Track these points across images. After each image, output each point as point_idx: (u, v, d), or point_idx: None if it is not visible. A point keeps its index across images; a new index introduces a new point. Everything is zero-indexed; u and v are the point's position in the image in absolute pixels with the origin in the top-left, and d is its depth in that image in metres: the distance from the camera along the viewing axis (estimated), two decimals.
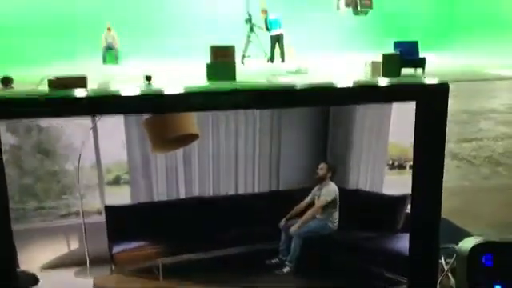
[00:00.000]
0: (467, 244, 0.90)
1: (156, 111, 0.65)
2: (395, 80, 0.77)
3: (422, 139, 0.71)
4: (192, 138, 0.66)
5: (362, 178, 0.72)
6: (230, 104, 0.67)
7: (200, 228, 0.70)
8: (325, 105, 0.69)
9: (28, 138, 0.62)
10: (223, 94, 0.67)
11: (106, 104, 0.64)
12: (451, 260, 1.01)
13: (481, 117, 7.52)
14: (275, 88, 0.70)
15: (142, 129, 0.65)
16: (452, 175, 4.70)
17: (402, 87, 0.72)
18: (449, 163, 5.07)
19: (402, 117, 0.71)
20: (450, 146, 5.68)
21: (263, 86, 0.69)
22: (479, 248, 0.88)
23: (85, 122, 0.63)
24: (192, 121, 0.66)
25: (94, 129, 0.63)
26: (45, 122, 0.62)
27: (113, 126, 0.64)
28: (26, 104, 0.62)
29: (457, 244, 0.94)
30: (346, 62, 15.09)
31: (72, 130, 0.63)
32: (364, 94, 0.70)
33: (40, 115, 0.62)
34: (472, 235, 1.24)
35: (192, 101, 0.66)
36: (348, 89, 0.71)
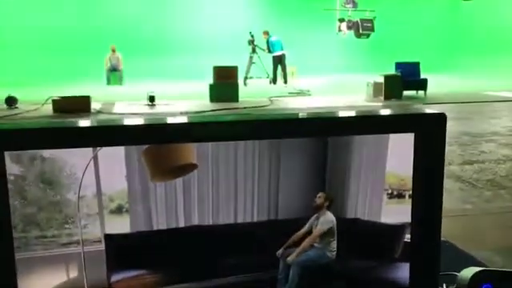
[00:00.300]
0: (467, 273, 0.90)
1: (157, 142, 0.66)
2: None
3: (421, 170, 0.72)
4: (191, 167, 0.67)
5: (361, 207, 0.72)
6: (233, 135, 0.68)
7: (199, 257, 0.70)
8: (321, 135, 0.70)
9: (31, 167, 0.63)
10: (226, 125, 0.68)
11: (107, 135, 0.65)
12: (453, 287, 1.01)
13: (482, 139, 7.52)
14: (275, 119, 0.71)
15: (141, 158, 0.66)
16: (455, 198, 4.68)
17: (400, 119, 0.73)
18: (452, 185, 5.05)
19: (401, 146, 0.72)
20: (452, 169, 5.67)
21: (264, 116, 0.70)
22: (479, 277, 0.88)
23: (86, 150, 0.64)
24: (191, 150, 0.67)
25: (95, 158, 0.64)
26: (47, 152, 0.63)
27: (114, 155, 0.65)
28: (30, 135, 0.63)
29: (458, 270, 0.94)
30: (348, 84, 15.18)
31: (73, 159, 0.64)
32: (362, 125, 0.71)
33: (43, 146, 0.63)
34: (475, 259, 1.24)
35: (193, 132, 0.67)
36: (345, 120, 0.72)
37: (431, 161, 0.72)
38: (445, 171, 0.74)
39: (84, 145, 0.64)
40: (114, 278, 0.67)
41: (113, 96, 12.75)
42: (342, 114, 0.73)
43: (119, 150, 0.65)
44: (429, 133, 0.71)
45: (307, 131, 0.70)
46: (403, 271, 0.73)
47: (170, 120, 0.68)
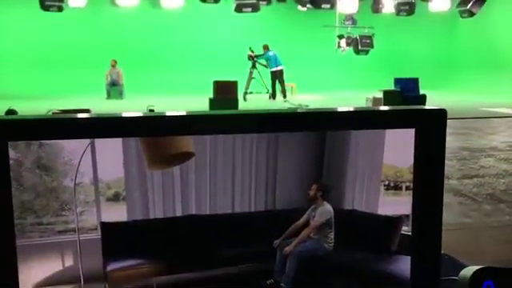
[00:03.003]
0: (468, 271, 0.89)
1: (157, 134, 0.66)
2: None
3: (422, 165, 0.72)
4: (188, 155, 0.67)
5: (358, 199, 0.72)
6: (230, 128, 0.68)
7: (195, 247, 0.70)
8: (323, 130, 0.70)
9: (27, 153, 0.63)
10: (224, 118, 0.68)
11: (106, 126, 0.65)
12: None
13: (481, 154, 7.53)
14: (275, 113, 0.71)
15: (138, 146, 0.66)
16: (454, 212, 4.66)
17: (401, 114, 0.73)
18: (452, 199, 5.04)
19: (398, 138, 0.72)
20: (452, 183, 5.66)
21: (264, 111, 0.70)
22: (480, 274, 0.87)
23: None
24: (188, 139, 0.67)
25: (92, 145, 0.64)
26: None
27: (111, 143, 0.65)
28: (33, 125, 0.63)
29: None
30: (347, 99, 15.24)
31: (71, 145, 0.64)
32: (363, 121, 0.72)
33: (45, 137, 0.63)
34: None
35: (192, 124, 0.67)
36: (347, 115, 0.72)
37: (432, 156, 0.72)
38: (444, 185, 0.74)
39: (87, 136, 0.64)
40: (110, 266, 0.67)
41: (112, 110, 12.78)
42: (344, 109, 0.73)
43: (117, 138, 0.65)
44: (429, 128, 0.71)
45: (311, 126, 0.70)
46: (400, 263, 0.73)
47: (170, 113, 0.68)
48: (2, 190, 0.61)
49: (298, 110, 0.72)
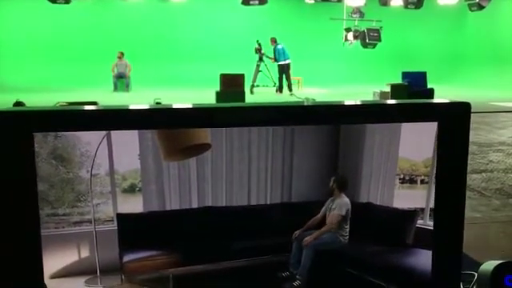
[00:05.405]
0: (489, 266, 0.88)
1: (173, 126, 0.66)
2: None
3: (445, 158, 0.71)
4: (205, 147, 0.67)
5: (373, 191, 0.72)
6: (246, 120, 0.67)
7: (211, 238, 0.70)
8: (346, 124, 0.70)
9: (45, 145, 0.63)
10: (240, 111, 0.68)
11: (129, 118, 0.65)
12: (470, 286, 0.99)
13: (490, 149, 7.48)
14: (296, 106, 0.70)
15: (154, 137, 0.66)
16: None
17: (424, 107, 0.72)
18: None
19: (413, 131, 0.71)
20: None
21: (282, 103, 0.70)
22: (502, 268, 0.86)
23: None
24: (205, 130, 0.67)
25: (109, 136, 0.64)
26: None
27: (128, 134, 0.65)
28: (58, 117, 0.63)
29: (476, 271, 0.92)
30: (354, 93, 15.19)
31: (87, 137, 0.64)
32: (386, 114, 0.71)
33: (68, 128, 0.63)
34: None
35: (209, 116, 0.67)
36: (370, 108, 0.71)
37: (455, 149, 0.71)
38: None
39: (110, 127, 0.64)
40: (126, 257, 0.67)
41: (119, 102, 12.80)
42: (367, 103, 0.72)
43: (133, 130, 0.65)
44: (453, 121, 0.71)
45: (333, 120, 0.70)
46: (415, 256, 0.73)
47: (187, 105, 0.68)
48: (29, 181, 0.62)
49: (306, 103, 0.71)
